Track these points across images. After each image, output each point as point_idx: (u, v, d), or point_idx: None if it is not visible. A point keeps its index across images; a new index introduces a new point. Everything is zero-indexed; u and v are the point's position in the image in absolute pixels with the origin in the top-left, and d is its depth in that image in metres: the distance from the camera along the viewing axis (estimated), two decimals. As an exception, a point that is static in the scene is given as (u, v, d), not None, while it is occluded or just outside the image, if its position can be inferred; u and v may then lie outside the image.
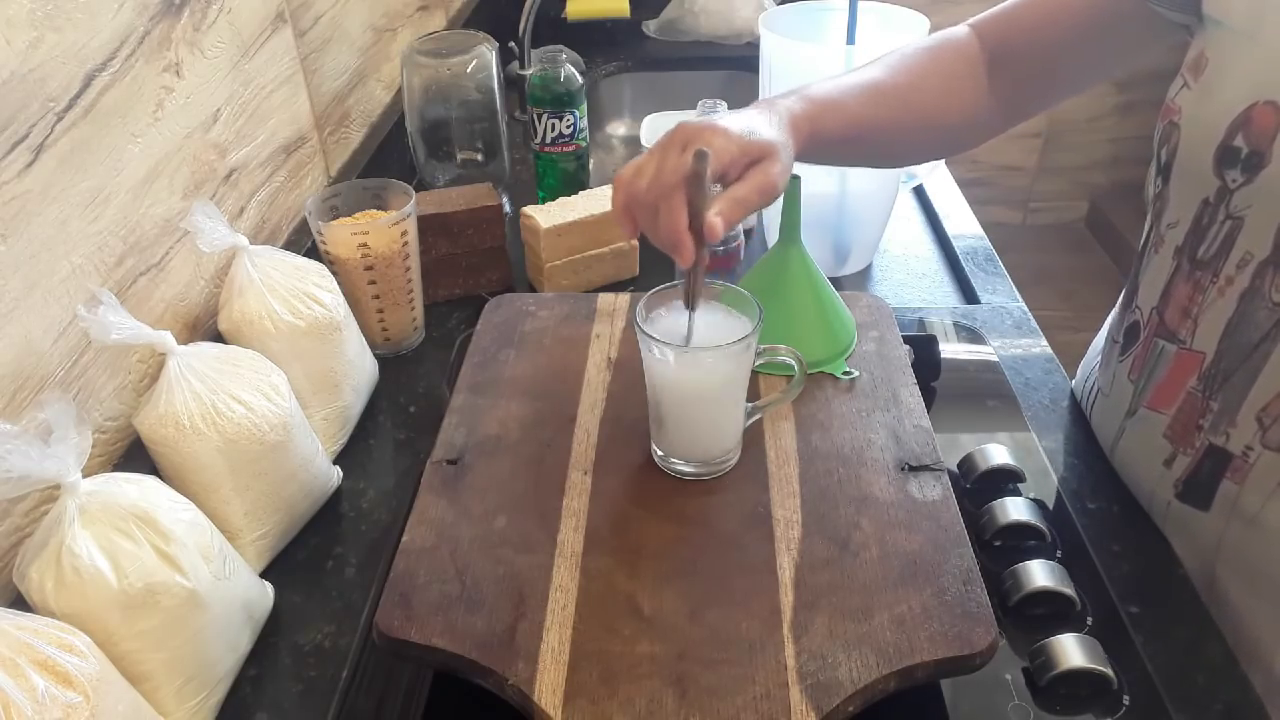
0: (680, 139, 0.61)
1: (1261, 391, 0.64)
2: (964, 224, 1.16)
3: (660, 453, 0.67)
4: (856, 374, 0.74)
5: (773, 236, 0.91)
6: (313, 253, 0.89)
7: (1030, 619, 0.65)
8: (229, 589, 0.62)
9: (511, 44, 1.38)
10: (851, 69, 0.76)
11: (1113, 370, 0.78)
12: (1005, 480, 0.75)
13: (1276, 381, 0.63)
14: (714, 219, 0.58)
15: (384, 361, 0.92)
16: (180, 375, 0.65)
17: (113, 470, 0.66)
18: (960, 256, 1.09)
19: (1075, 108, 2.69)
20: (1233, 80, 0.62)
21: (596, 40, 1.69)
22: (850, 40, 0.92)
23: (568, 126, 1.13)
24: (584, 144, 1.16)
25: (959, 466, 0.77)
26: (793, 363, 0.66)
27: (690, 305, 0.62)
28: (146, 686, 0.56)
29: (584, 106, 1.14)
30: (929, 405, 0.72)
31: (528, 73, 1.31)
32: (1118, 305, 0.82)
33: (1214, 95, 0.63)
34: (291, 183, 0.98)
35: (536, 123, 1.14)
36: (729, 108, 1.08)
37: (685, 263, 0.59)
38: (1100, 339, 0.85)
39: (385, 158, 1.19)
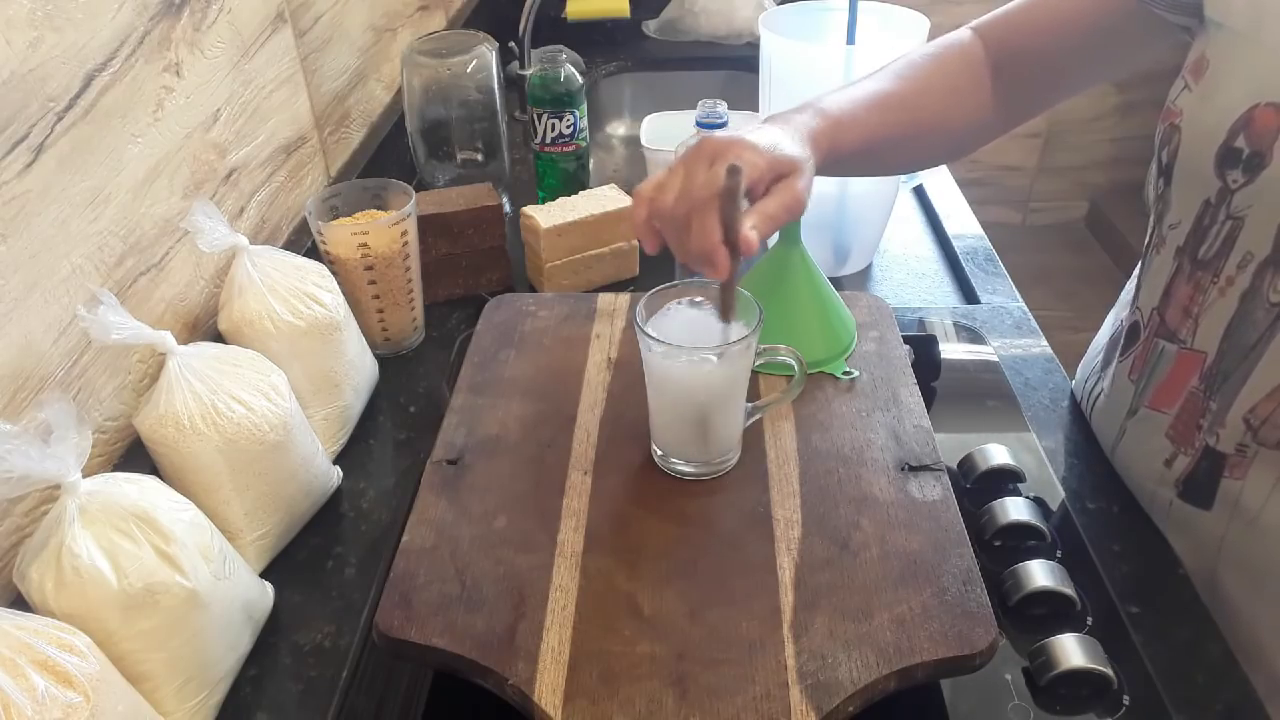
0: (708, 153, 0.61)
1: (1250, 393, 0.64)
2: (964, 224, 1.16)
3: (660, 453, 0.67)
4: (856, 374, 0.74)
5: (773, 237, 0.91)
6: (313, 253, 0.89)
7: (1030, 619, 0.65)
8: (229, 589, 0.62)
9: (511, 44, 1.38)
10: (858, 79, 0.76)
11: (1113, 370, 0.78)
12: (1005, 480, 0.75)
13: (1267, 382, 0.63)
14: (750, 233, 0.59)
15: (384, 361, 0.92)
16: (180, 375, 0.65)
17: (113, 470, 0.66)
18: (960, 256, 1.09)
19: (1075, 108, 2.69)
20: (1234, 82, 0.62)
21: (596, 40, 1.70)
22: (850, 40, 0.92)
23: (568, 126, 1.13)
24: (584, 144, 1.16)
25: (959, 466, 0.77)
26: (793, 363, 0.66)
27: (726, 318, 0.62)
28: (146, 686, 0.56)
29: (584, 106, 1.14)
30: (929, 405, 0.72)
31: (528, 73, 1.31)
32: (1117, 305, 0.82)
33: (1215, 97, 0.63)
34: (291, 183, 0.98)
35: (536, 123, 1.14)
36: (729, 108, 1.09)
37: (720, 276, 0.59)
38: (1100, 339, 0.85)
39: (385, 158, 1.19)
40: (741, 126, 0.66)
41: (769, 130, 0.65)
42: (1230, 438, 0.65)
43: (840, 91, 0.73)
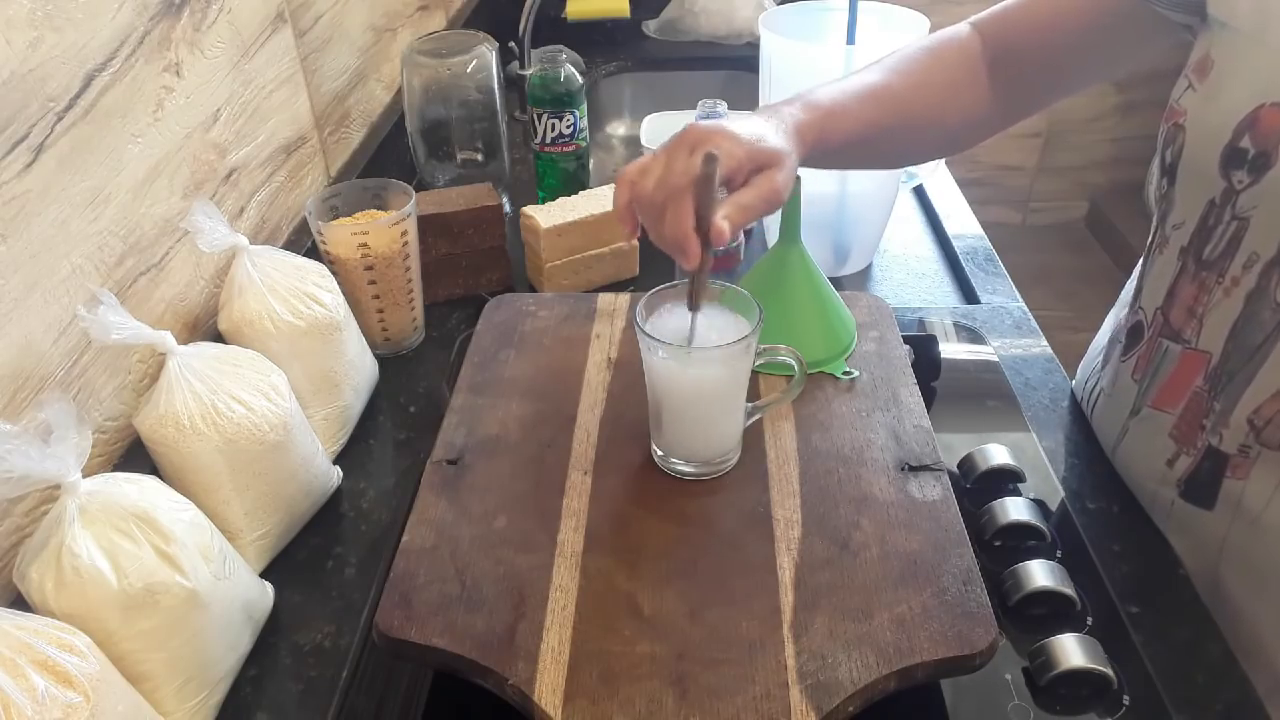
0: (689, 141, 0.61)
1: (1255, 394, 0.64)
2: (964, 224, 1.16)
3: (660, 453, 0.67)
4: (856, 374, 0.74)
5: (773, 236, 0.91)
6: (313, 253, 0.89)
7: (1030, 619, 0.65)
8: (229, 589, 0.62)
9: (511, 44, 1.38)
10: (853, 71, 0.76)
11: (1115, 370, 0.78)
12: (1005, 480, 0.75)
13: (1271, 383, 0.63)
14: (721, 223, 0.59)
15: (384, 361, 0.92)
16: (180, 375, 0.65)
17: (113, 470, 0.66)
18: (960, 256, 1.09)
19: (1075, 108, 2.69)
20: (1239, 82, 0.62)
21: (596, 40, 1.69)
22: (850, 40, 0.92)
23: (568, 126, 1.13)
24: (584, 144, 1.16)
25: (959, 466, 0.77)
26: (793, 363, 0.66)
27: (694, 306, 0.62)
28: (146, 686, 0.56)
29: (584, 106, 1.14)
30: (929, 405, 0.72)
31: (528, 73, 1.31)
32: (1118, 305, 0.82)
33: (1220, 97, 0.63)
34: (291, 183, 0.98)
35: (536, 123, 1.14)
36: (729, 108, 1.09)
37: (690, 265, 0.59)
38: (1101, 339, 0.85)
39: (385, 158, 1.19)
40: (727, 119, 0.65)
41: (754, 121, 0.65)
42: (1233, 438, 0.65)
43: (834, 83, 0.73)
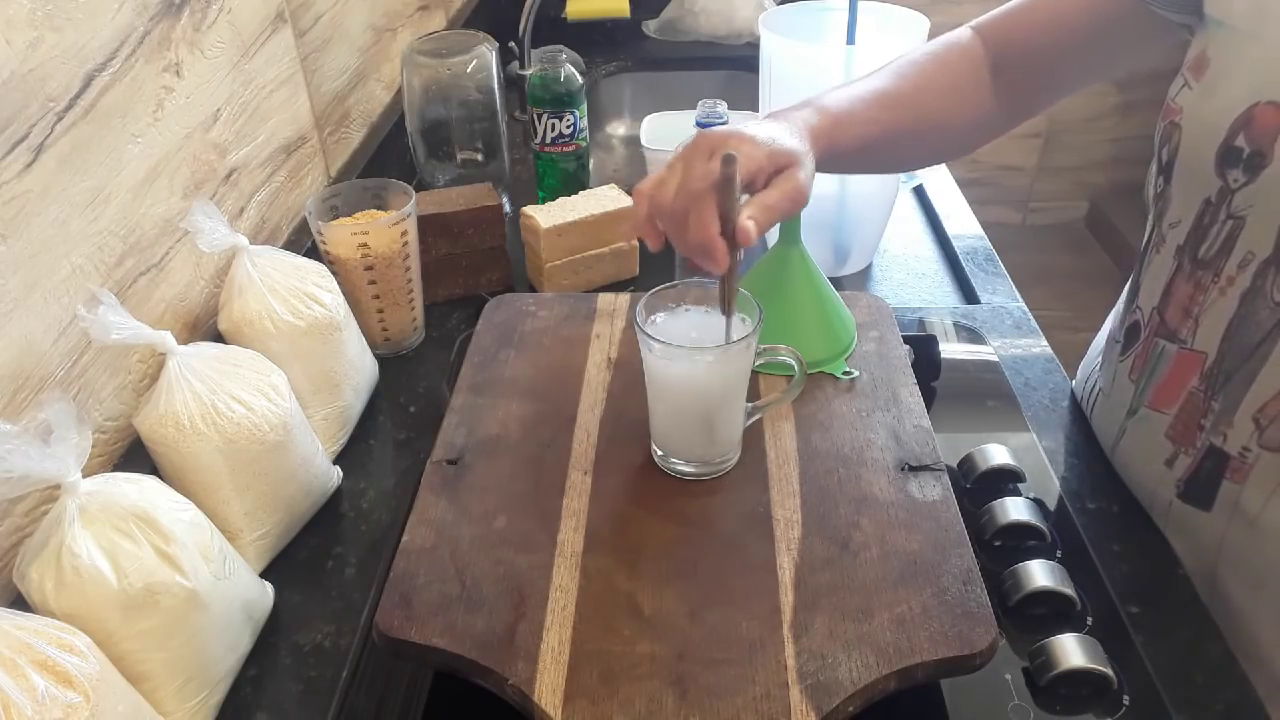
0: (705, 147, 0.61)
1: (1259, 392, 0.64)
2: (964, 224, 1.16)
3: (660, 453, 0.67)
4: (856, 374, 0.74)
5: (773, 237, 0.91)
6: (313, 253, 0.89)
7: (1030, 619, 0.65)
8: (229, 589, 0.62)
9: (511, 44, 1.38)
10: (858, 77, 0.76)
11: (1114, 370, 0.78)
12: (1005, 480, 0.75)
13: (1274, 382, 0.63)
14: (747, 222, 0.59)
15: (384, 361, 0.92)
16: (180, 375, 0.65)
17: (113, 470, 0.66)
18: (960, 256, 1.09)
19: (1075, 108, 2.69)
20: (1235, 80, 0.62)
21: (596, 40, 1.70)
22: (850, 40, 0.92)
23: (568, 126, 1.13)
24: (584, 144, 1.16)
25: (959, 466, 0.77)
26: (793, 363, 0.66)
27: (726, 310, 0.62)
28: (146, 686, 0.56)
29: (584, 106, 1.14)
30: (929, 405, 0.72)
31: (528, 73, 1.31)
32: (1118, 305, 0.82)
33: (1216, 95, 0.63)
34: (291, 183, 0.98)
35: (536, 123, 1.14)
36: (729, 108, 1.09)
37: (719, 268, 0.59)
38: (1100, 339, 0.85)
39: (385, 158, 1.19)
40: (741, 123, 0.66)
41: (767, 124, 0.65)
42: (1237, 438, 0.65)
43: (840, 89, 0.73)
